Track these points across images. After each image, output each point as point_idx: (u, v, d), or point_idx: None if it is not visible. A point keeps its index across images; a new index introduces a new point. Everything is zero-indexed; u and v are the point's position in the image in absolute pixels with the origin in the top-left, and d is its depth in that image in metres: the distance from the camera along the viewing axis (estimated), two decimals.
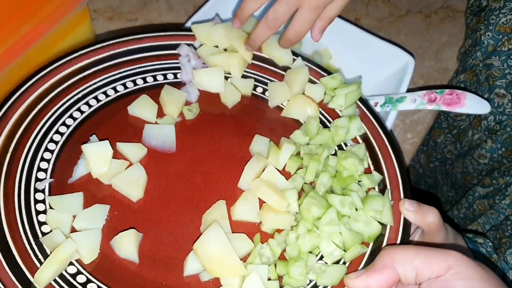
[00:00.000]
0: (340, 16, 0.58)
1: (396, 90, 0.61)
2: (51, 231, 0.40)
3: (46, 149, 0.45)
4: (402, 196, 0.45)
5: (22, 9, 0.57)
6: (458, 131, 0.71)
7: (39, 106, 0.46)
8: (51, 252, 0.39)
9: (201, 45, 0.55)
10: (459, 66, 0.71)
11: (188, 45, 0.54)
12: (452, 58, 0.74)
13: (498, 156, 0.65)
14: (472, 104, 0.56)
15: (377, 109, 0.59)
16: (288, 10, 0.50)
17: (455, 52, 0.73)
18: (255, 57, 0.56)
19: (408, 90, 0.60)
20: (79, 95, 0.48)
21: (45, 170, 0.44)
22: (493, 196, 0.65)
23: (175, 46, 0.53)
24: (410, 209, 0.43)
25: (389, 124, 0.57)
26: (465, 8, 0.71)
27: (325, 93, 0.53)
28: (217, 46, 0.55)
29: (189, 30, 0.54)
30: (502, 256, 0.58)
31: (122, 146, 0.46)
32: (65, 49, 0.63)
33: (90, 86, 0.49)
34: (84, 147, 0.44)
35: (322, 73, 0.55)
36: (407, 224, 0.43)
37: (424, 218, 0.43)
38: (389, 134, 0.50)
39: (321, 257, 0.43)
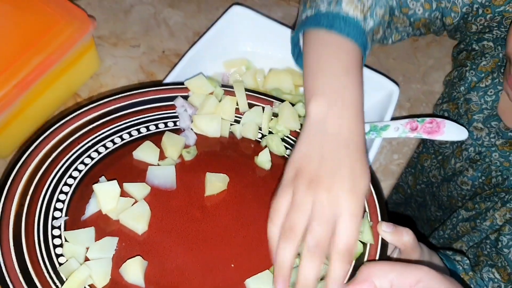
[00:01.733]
0: None
1: (381, 117, 0.65)
2: (67, 261, 0.46)
3: (61, 191, 0.52)
4: (379, 219, 0.50)
5: (34, 42, 0.63)
6: (442, 158, 0.76)
7: (54, 154, 0.53)
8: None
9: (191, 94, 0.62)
10: (444, 93, 0.75)
11: (183, 97, 0.61)
12: (437, 82, 0.78)
13: (479, 183, 0.69)
14: (450, 132, 0.61)
15: None
16: (329, 228, 0.44)
17: (441, 76, 0.78)
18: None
19: (393, 118, 0.65)
20: (90, 144, 0.55)
21: (61, 210, 0.50)
22: (474, 219, 0.69)
23: (173, 98, 0.60)
24: (387, 231, 0.48)
25: (374, 150, 0.62)
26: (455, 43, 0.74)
27: None
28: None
29: (182, 84, 0.62)
30: (479, 273, 0.62)
31: (128, 186, 0.52)
32: (73, 77, 0.68)
33: (99, 135, 0.56)
34: (95, 186, 0.50)
35: None
36: (384, 244, 0.49)
37: (400, 238, 0.48)
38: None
39: None
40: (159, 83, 0.62)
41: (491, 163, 0.66)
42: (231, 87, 0.62)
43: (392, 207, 0.95)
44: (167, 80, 0.64)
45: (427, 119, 0.62)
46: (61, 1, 0.66)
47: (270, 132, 0.61)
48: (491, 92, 0.66)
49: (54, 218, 0.49)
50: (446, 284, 0.39)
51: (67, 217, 0.50)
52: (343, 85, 0.49)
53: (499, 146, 0.65)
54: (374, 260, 0.48)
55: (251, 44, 0.72)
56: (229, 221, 0.52)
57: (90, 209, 0.50)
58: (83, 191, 0.52)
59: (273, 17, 0.71)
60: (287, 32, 0.69)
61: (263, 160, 0.57)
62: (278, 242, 0.44)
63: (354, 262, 0.48)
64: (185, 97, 0.61)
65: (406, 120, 0.63)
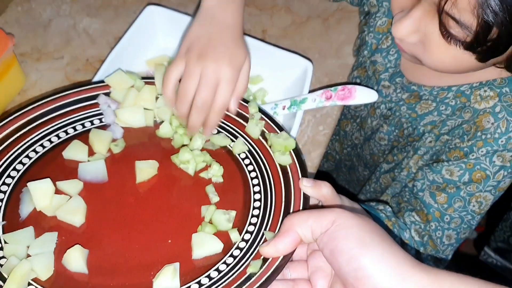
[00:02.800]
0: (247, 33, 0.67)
1: (300, 92, 0.70)
2: (7, 260, 0.48)
3: None
4: (300, 176, 0.55)
5: None
6: (360, 120, 0.82)
7: None
8: None
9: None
10: (355, 62, 0.81)
11: (105, 94, 0.64)
12: (350, 54, 0.84)
13: (394, 137, 0.75)
14: (361, 96, 0.66)
15: (285, 111, 0.68)
16: (212, 91, 0.57)
17: (352, 49, 0.84)
18: None
19: (311, 91, 0.70)
20: (20, 150, 0.57)
21: None
22: (393, 170, 0.76)
23: (95, 97, 0.63)
24: (307, 185, 0.53)
25: (297, 122, 0.66)
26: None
27: None
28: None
29: (103, 82, 0.65)
30: (401, 218, 0.68)
31: (61, 184, 0.55)
32: None
33: (28, 141, 0.58)
34: (29, 184, 0.53)
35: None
36: (306, 197, 0.53)
37: (319, 190, 0.53)
38: (287, 133, 0.60)
39: None
40: (79, 84, 0.64)
41: (401, 116, 0.72)
42: (152, 78, 0.65)
43: (325, 174, 1.01)
44: None
45: (339, 87, 0.67)
46: None
47: None
48: (392, 51, 0.71)
49: None
50: (357, 220, 0.42)
51: (4, 222, 0.52)
52: None
53: (406, 100, 0.71)
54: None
55: (170, 40, 0.75)
56: (162, 202, 0.55)
57: (25, 210, 0.52)
58: (17, 196, 0.54)
59: (190, 14, 0.75)
60: None
61: (164, 131, 0.61)
62: (175, 102, 0.59)
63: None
64: (107, 94, 0.64)
65: (321, 91, 0.68)
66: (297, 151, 0.58)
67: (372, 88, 0.67)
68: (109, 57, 0.69)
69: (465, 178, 0.64)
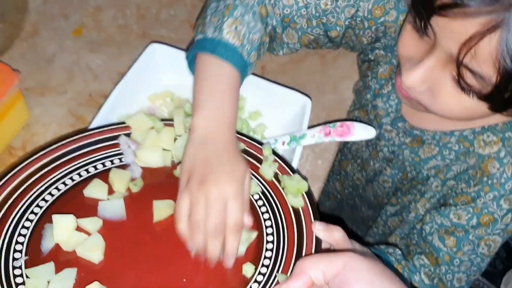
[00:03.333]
0: None
1: (299, 128, 0.72)
2: None
3: (20, 234, 0.56)
4: (312, 219, 0.57)
5: None
6: (362, 161, 0.83)
7: (10, 200, 0.58)
8: None
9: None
10: (355, 100, 0.83)
11: (126, 134, 0.66)
12: (347, 90, 0.86)
13: (398, 180, 0.77)
14: (359, 132, 0.68)
15: (285, 147, 0.70)
16: (220, 213, 0.55)
17: (349, 84, 0.86)
18: None
19: (310, 126, 0.71)
20: (43, 188, 0.60)
21: (20, 251, 0.54)
22: (401, 212, 0.76)
23: (116, 137, 0.66)
24: (320, 229, 0.55)
25: (296, 158, 0.68)
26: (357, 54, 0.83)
27: None
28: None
29: (124, 123, 0.67)
30: (411, 261, 0.69)
31: (81, 221, 0.57)
32: (4, 130, 0.70)
33: (52, 179, 0.61)
34: (54, 216, 0.55)
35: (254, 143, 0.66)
36: (318, 240, 0.55)
37: (331, 234, 0.54)
38: (300, 174, 0.62)
39: None
40: (102, 126, 0.66)
41: (404, 160, 0.73)
42: (171, 120, 0.67)
43: (328, 212, 1.02)
44: (96, 120, 0.68)
45: (338, 123, 0.69)
46: None
47: None
48: (393, 97, 0.73)
49: (14, 259, 0.53)
50: (368, 263, 0.44)
51: (27, 257, 0.54)
52: (219, 102, 0.61)
53: (409, 144, 0.72)
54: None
55: (172, 77, 0.77)
56: (177, 241, 0.56)
57: (46, 245, 0.55)
58: (40, 232, 0.56)
59: None
60: None
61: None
62: (190, 236, 0.56)
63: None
64: (128, 135, 0.66)
65: (320, 127, 0.70)
66: (309, 194, 0.60)
67: (370, 124, 0.69)
68: (113, 93, 0.70)
69: (473, 222, 0.64)
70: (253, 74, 0.75)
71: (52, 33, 0.86)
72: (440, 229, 0.67)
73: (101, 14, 0.89)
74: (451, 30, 0.50)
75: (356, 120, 0.71)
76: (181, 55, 0.76)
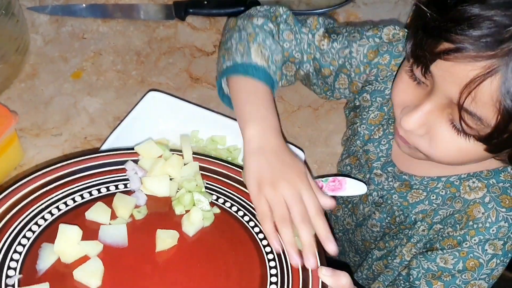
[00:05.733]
0: None
1: None
2: None
3: (15, 251, 0.55)
4: (319, 264, 0.57)
5: None
6: (352, 205, 0.84)
7: (8, 215, 0.57)
8: None
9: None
10: (344, 151, 0.85)
11: (134, 160, 0.66)
12: (339, 143, 0.88)
13: (386, 224, 0.78)
14: (351, 188, 0.70)
15: None
16: (301, 204, 0.60)
17: (341, 138, 0.88)
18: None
19: None
20: (43, 206, 0.59)
21: (14, 269, 0.53)
22: (386, 257, 0.77)
23: (123, 162, 0.65)
24: (326, 274, 0.55)
25: None
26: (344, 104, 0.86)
27: None
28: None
29: (132, 149, 0.67)
30: None
31: (82, 243, 0.56)
32: None
33: (52, 198, 0.60)
34: (61, 225, 0.55)
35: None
36: (324, 286, 0.55)
37: (338, 280, 0.55)
38: None
39: None
40: (110, 149, 0.66)
41: (393, 204, 0.75)
42: (180, 150, 0.68)
43: (342, 263, 1.01)
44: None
45: (330, 178, 0.70)
46: None
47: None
48: (384, 141, 0.75)
49: (8, 276, 0.52)
50: None
51: (20, 275, 0.52)
52: (265, 113, 0.67)
53: (397, 188, 0.74)
54: None
55: (169, 124, 0.78)
56: (179, 275, 0.56)
57: (42, 266, 0.53)
58: (36, 251, 0.55)
59: (188, 98, 0.79)
60: (200, 110, 0.77)
61: (193, 221, 0.61)
62: (279, 231, 0.59)
63: None
64: (136, 161, 0.66)
65: None
66: (316, 238, 0.59)
67: (362, 180, 0.70)
68: (110, 138, 0.71)
69: (459, 266, 0.65)
70: None
71: (51, 75, 0.88)
72: (427, 273, 0.68)
73: (101, 58, 0.91)
74: (452, 74, 0.52)
75: (347, 175, 0.72)
76: (178, 103, 0.77)
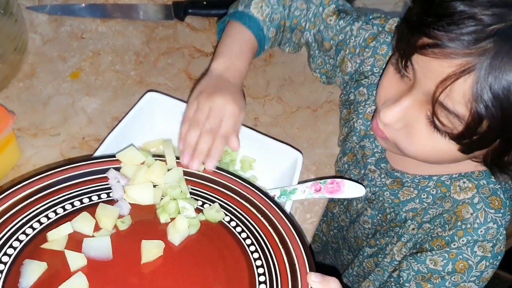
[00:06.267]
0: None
1: (290, 182, 0.72)
2: None
3: None
4: (308, 270, 0.56)
5: None
6: (347, 202, 0.85)
7: None
8: None
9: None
10: (340, 151, 0.85)
11: (115, 168, 0.65)
12: (336, 145, 0.88)
13: (377, 221, 0.78)
14: (349, 190, 0.69)
15: None
16: (219, 120, 0.69)
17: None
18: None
19: (301, 181, 0.72)
20: (24, 220, 0.57)
21: None
22: (377, 255, 0.77)
23: (105, 171, 0.64)
24: (315, 280, 0.55)
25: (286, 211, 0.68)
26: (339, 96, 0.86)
27: None
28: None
29: (114, 156, 0.66)
30: None
31: (67, 253, 0.55)
32: None
33: (33, 211, 0.58)
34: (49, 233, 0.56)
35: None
36: None
37: (327, 286, 0.54)
38: (294, 224, 0.62)
39: None
40: (89, 157, 0.65)
41: (384, 201, 0.75)
42: (163, 156, 0.67)
43: (331, 268, 1.01)
44: None
45: (329, 180, 0.70)
46: None
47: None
48: None
49: None
50: None
51: None
52: (235, 56, 0.76)
53: (389, 185, 0.74)
54: None
55: (167, 124, 0.78)
56: (166, 285, 0.55)
57: (24, 283, 0.52)
58: (18, 269, 0.53)
59: (187, 98, 0.78)
60: None
61: (178, 229, 0.60)
62: (187, 132, 0.69)
63: None
64: (118, 169, 0.65)
65: (311, 182, 0.71)
66: (304, 244, 0.59)
67: (360, 182, 0.70)
68: (108, 138, 0.71)
69: (448, 268, 0.66)
70: (246, 126, 0.76)
71: (49, 75, 0.87)
72: (417, 275, 0.68)
73: (100, 58, 0.91)
74: (430, 69, 0.53)
75: (345, 178, 0.72)
76: (177, 104, 0.77)
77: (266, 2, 0.78)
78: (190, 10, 0.98)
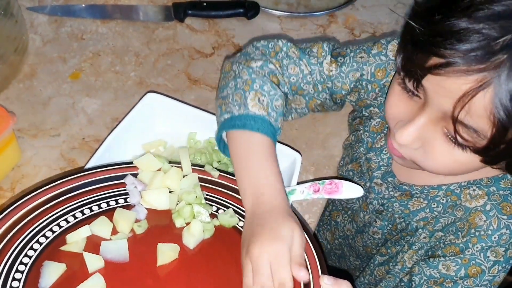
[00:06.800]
0: None
1: (288, 182, 0.73)
2: None
3: (17, 270, 0.55)
4: (320, 273, 0.57)
5: None
6: (352, 212, 0.84)
7: (10, 235, 0.57)
8: None
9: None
10: (345, 155, 0.84)
11: (133, 174, 0.66)
12: (335, 146, 0.88)
13: (388, 231, 0.78)
14: (348, 191, 0.69)
15: None
16: (266, 274, 0.55)
17: (338, 141, 0.88)
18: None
19: (299, 182, 0.72)
20: (44, 224, 0.59)
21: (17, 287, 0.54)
22: (388, 263, 0.77)
23: (123, 177, 0.66)
24: (328, 283, 0.55)
25: None
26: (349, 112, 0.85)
27: None
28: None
29: (131, 163, 0.67)
30: None
31: (85, 255, 0.57)
32: None
33: (53, 215, 0.60)
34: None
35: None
36: None
37: None
38: (305, 227, 0.62)
39: None
40: (108, 164, 0.67)
41: (394, 212, 0.75)
42: (178, 163, 0.68)
43: (345, 272, 1.02)
44: (89, 165, 0.68)
45: (327, 181, 0.70)
46: None
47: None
48: (385, 151, 0.75)
49: None
50: None
51: None
52: (260, 178, 0.63)
53: (398, 197, 0.74)
54: None
55: (167, 126, 0.78)
56: (181, 287, 0.56)
57: (44, 284, 0.54)
58: (38, 269, 0.55)
59: (187, 100, 0.79)
60: (198, 112, 0.77)
61: (193, 233, 0.61)
62: None
63: None
64: (135, 175, 0.66)
65: (309, 183, 0.71)
66: (317, 247, 0.59)
67: (360, 184, 0.70)
68: (108, 139, 0.71)
69: (461, 273, 0.66)
70: None
71: (50, 75, 0.88)
72: (429, 280, 0.68)
73: (100, 59, 0.91)
74: (445, 87, 0.52)
75: (344, 178, 0.72)
76: (176, 105, 0.77)
77: (261, 92, 0.67)
78: (190, 11, 0.98)
